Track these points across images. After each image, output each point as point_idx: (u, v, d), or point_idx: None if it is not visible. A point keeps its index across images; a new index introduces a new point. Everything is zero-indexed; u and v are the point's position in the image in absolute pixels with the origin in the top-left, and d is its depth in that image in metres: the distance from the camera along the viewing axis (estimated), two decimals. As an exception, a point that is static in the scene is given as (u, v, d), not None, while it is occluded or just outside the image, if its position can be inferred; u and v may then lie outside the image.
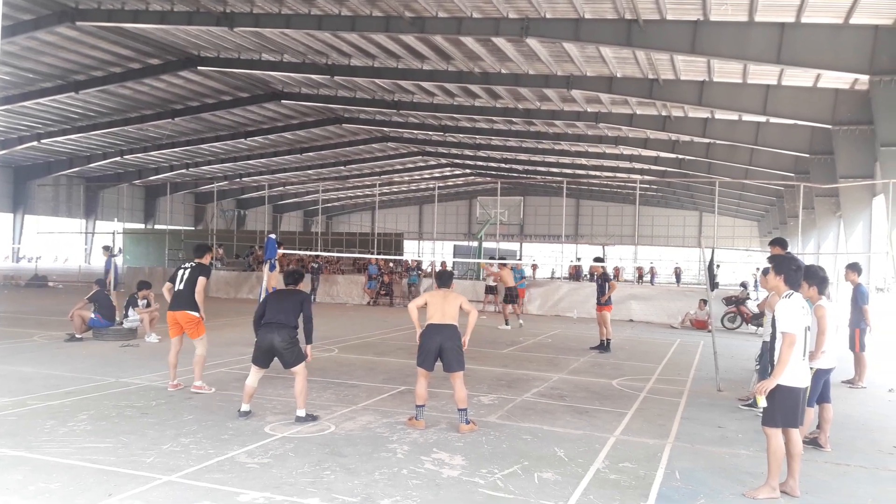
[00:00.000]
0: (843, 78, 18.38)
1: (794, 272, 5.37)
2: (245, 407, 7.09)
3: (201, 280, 8.25)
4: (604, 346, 13.14)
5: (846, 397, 9.32)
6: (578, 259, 39.90)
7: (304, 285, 24.09)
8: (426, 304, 7.18)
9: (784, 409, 5.15)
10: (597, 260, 14.56)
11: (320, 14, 19.34)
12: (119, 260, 26.50)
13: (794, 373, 5.16)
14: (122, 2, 20.65)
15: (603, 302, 13.38)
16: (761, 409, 5.22)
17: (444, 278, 7.51)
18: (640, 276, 42.01)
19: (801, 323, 5.19)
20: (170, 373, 8.38)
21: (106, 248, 16.03)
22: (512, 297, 17.15)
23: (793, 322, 5.14)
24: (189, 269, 8.38)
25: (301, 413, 6.98)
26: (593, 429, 7.08)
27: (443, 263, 33.00)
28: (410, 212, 72.86)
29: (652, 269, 43.88)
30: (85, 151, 44.14)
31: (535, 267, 44.80)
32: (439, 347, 6.93)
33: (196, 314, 8.24)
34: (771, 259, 5.72)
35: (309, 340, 7.17)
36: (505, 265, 18.11)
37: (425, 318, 7.05)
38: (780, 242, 9.06)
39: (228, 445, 6.01)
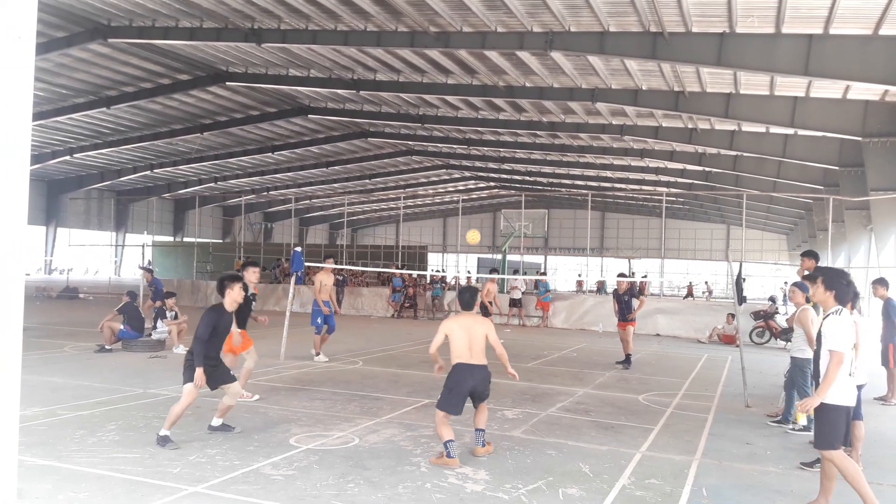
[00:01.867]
0: (873, 89, 18.10)
1: (845, 287, 5.19)
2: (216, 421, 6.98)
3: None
4: (628, 361, 13.00)
5: (878, 414, 9.13)
6: (633, 274, 38.55)
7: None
8: (447, 336, 6.41)
9: (837, 429, 4.99)
10: (621, 275, 14.42)
11: (346, 30, 19.54)
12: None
13: (844, 392, 5.02)
14: (153, 19, 21.06)
15: (629, 318, 13.22)
16: (799, 427, 5.11)
17: (466, 298, 6.66)
18: (690, 293, 40.91)
19: (850, 341, 5.05)
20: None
21: (148, 269, 16.55)
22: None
23: (842, 340, 4.98)
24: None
25: (162, 432, 6.36)
26: (619, 444, 7.01)
27: (468, 279, 32.92)
28: (434, 224, 72.97)
29: (642, 283, 38.00)
30: (116, 165, 44.94)
31: (580, 283, 43.93)
32: (471, 391, 6.33)
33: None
34: (821, 272, 5.42)
35: (197, 359, 6.44)
36: (493, 279, 17.85)
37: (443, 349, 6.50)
38: (812, 255, 8.93)
39: (254, 457, 6.05)
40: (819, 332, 5.23)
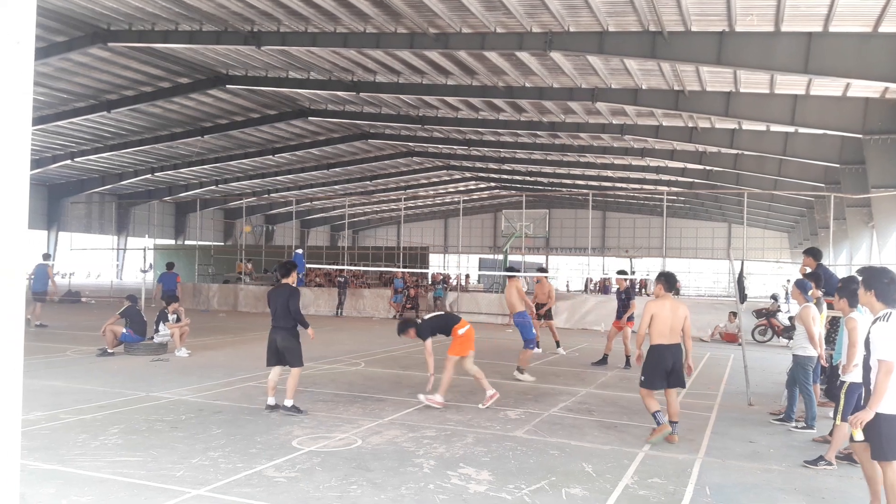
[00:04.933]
0: (873, 87, 18.09)
1: (885, 286, 4.83)
2: (270, 400, 8.00)
3: None
4: (606, 361, 12.91)
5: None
6: (634, 272, 38.38)
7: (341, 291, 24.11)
8: (652, 317, 7.10)
9: (893, 439, 4.71)
10: (620, 273, 14.36)
11: (346, 32, 19.55)
12: (151, 276, 26.99)
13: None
14: (153, 23, 21.07)
15: (625, 319, 13.17)
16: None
17: (671, 280, 7.38)
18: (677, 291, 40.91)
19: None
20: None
21: (170, 265, 19.30)
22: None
23: (892, 348, 4.63)
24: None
25: (288, 403, 7.83)
26: (622, 444, 7.00)
27: (466, 277, 32.73)
28: (436, 225, 72.98)
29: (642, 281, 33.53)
30: (117, 169, 44.99)
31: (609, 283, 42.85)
32: (670, 369, 7.08)
33: None
34: (861, 272, 5.21)
35: (304, 325, 7.99)
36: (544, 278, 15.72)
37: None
38: (813, 252, 8.92)
39: (256, 459, 6.05)
40: (867, 339, 4.88)
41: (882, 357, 4.66)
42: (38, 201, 48.50)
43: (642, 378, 7.24)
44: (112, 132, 34.76)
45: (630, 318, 13.15)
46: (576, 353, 14.73)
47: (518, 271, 13.89)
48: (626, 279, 13.75)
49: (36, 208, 48.46)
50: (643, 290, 32.53)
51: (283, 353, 7.89)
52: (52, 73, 25.17)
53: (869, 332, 4.84)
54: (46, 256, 18.62)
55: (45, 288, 17.55)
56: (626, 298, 13.21)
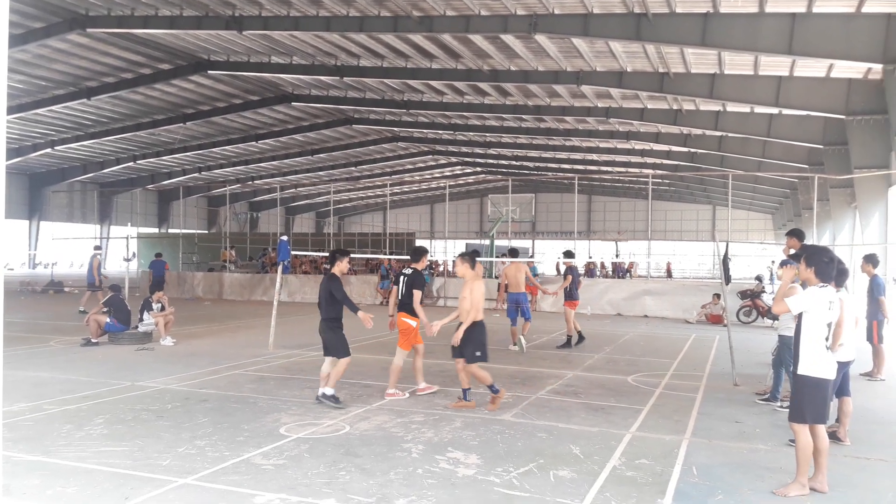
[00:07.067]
0: (856, 67, 18.18)
1: (825, 264, 5.23)
2: (319, 391, 7.83)
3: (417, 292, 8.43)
4: (567, 343, 13.06)
5: (865, 390, 9.22)
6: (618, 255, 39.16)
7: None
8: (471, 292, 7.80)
9: (813, 403, 5.05)
10: (566, 255, 14.52)
11: (328, 15, 19.36)
12: (134, 264, 26.77)
13: (820, 364, 5.06)
14: (132, 8, 20.77)
15: (566, 297, 13.36)
16: (787, 405, 5.15)
17: (474, 259, 8.16)
18: (669, 273, 41.55)
19: (817, 314, 5.10)
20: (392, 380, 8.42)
21: (158, 255, 20.88)
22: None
23: (801, 302, 5.14)
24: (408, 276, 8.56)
25: (329, 391, 7.72)
26: (609, 426, 7.04)
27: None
28: (422, 211, 72.90)
29: (602, 263, 34.14)
30: (98, 157, 44.49)
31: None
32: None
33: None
34: (804, 249, 5.61)
35: (353, 310, 7.81)
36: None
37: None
38: (797, 234, 8.96)
39: (244, 447, 6.03)
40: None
41: (788, 301, 5.23)
42: (18, 190, 47.92)
43: (480, 353, 7.62)
44: (93, 120, 34.33)
45: (573, 298, 13.31)
46: (562, 337, 14.76)
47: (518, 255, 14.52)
48: (572, 261, 13.99)
49: (17, 198, 47.87)
50: (629, 272, 32.73)
51: (326, 345, 7.92)
52: (30, 60, 24.78)
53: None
54: (97, 248, 19.65)
55: (94, 278, 18.76)
56: (563, 276, 13.69)
